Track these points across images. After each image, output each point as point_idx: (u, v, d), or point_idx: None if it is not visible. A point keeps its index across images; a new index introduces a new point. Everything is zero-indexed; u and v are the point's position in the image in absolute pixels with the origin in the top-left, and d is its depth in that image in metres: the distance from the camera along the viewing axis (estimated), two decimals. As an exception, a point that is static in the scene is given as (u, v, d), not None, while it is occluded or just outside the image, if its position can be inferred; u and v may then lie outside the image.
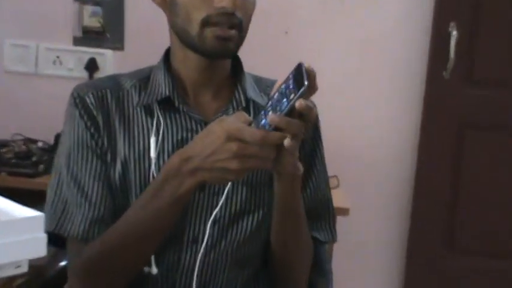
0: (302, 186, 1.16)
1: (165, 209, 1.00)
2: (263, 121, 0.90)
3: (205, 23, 1.04)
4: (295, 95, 0.86)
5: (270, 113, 0.89)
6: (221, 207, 1.10)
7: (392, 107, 2.64)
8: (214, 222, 1.10)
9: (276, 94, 0.90)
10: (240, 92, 1.15)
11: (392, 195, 2.69)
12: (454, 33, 2.49)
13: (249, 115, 1.09)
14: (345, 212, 2.06)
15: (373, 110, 2.64)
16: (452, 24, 2.50)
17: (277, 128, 0.88)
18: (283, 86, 0.90)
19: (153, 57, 1.22)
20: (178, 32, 1.10)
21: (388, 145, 2.66)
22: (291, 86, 0.88)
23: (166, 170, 0.98)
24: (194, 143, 0.96)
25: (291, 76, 0.89)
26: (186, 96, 1.14)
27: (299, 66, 0.88)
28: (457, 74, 2.54)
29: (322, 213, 1.23)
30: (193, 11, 1.05)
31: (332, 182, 2.26)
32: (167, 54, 1.17)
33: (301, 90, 0.85)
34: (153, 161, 1.09)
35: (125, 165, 1.10)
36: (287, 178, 1.02)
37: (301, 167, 0.99)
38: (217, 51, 1.06)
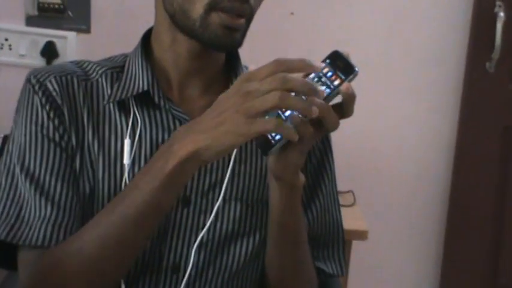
0: (306, 206, 1.22)
1: (151, 192, 0.97)
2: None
3: (213, 6, 1.04)
4: (340, 81, 0.91)
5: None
6: (209, 228, 1.12)
7: (422, 107, 2.64)
8: (200, 246, 1.11)
9: None
10: None
11: (421, 215, 2.70)
12: (501, 14, 2.47)
13: None
14: (361, 235, 2.07)
15: (398, 110, 2.65)
16: (498, 3, 2.49)
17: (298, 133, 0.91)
18: (312, 75, 0.94)
19: (126, 43, 1.24)
20: (174, 12, 1.09)
21: (417, 153, 2.67)
22: (329, 74, 0.93)
23: (162, 146, 0.99)
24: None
25: (324, 65, 0.94)
26: (169, 90, 1.16)
27: (336, 54, 0.93)
28: (504, 66, 2.53)
29: (329, 240, 1.25)
30: None
31: (346, 199, 2.37)
32: (146, 38, 1.19)
33: (352, 75, 0.91)
34: (126, 169, 1.10)
35: (91, 171, 1.11)
36: (285, 186, 1.02)
37: (302, 177, 1.02)
38: (221, 41, 1.07)
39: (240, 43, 1.10)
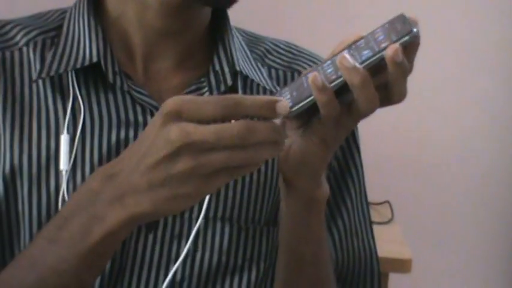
0: (326, 226, 1.16)
1: (68, 267, 0.90)
2: (305, 92, 0.89)
3: None
4: (389, 42, 0.87)
5: (342, 54, 0.88)
6: (185, 261, 1.07)
7: (484, 98, 2.67)
8: (172, 286, 1.07)
9: (346, 51, 0.91)
10: (223, 59, 1.12)
11: (485, 238, 2.69)
12: None
13: None
14: (403, 265, 2.01)
15: (454, 102, 2.68)
16: None
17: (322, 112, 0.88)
18: (361, 42, 0.91)
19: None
20: None
21: (479, 155, 2.69)
22: (380, 38, 0.89)
23: (78, 196, 0.90)
24: (126, 150, 0.88)
25: (379, 30, 0.91)
26: (129, 61, 1.11)
27: (400, 18, 0.90)
28: None
29: (359, 275, 1.22)
30: None
31: (381, 213, 2.44)
32: None
33: (407, 36, 0.87)
34: (64, 178, 1.05)
35: (11, 182, 1.06)
36: (300, 197, 0.99)
37: (327, 188, 0.99)
38: None
39: None
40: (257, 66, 1.17)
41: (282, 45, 1.22)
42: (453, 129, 2.67)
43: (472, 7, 2.64)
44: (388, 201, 2.38)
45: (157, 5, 1.06)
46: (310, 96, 0.88)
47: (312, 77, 0.86)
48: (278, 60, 1.18)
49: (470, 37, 2.65)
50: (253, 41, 1.21)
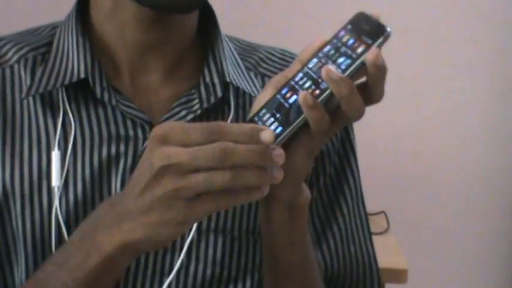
0: (320, 234, 1.19)
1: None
2: (292, 98, 0.90)
3: None
4: (366, 46, 0.87)
5: (326, 66, 0.88)
6: (179, 272, 1.08)
7: (484, 105, 2.69)
8: None
9: (314, 60, 0.92)
10: (213, 70, 1.13)
11: (482, 246, 2.70)
12: None
13: (229, 114, 1.13)
14: (399, 275, 2.05)
15: (450, 108, 2.68)
16: None
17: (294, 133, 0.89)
18: (328, 48, 0.92)
19: (58, 5, 1.19)
20: None
21: (476, 165, 2.71)
22: (350, 42, 0.90)
23: (86, 222, 0.94)
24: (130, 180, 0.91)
25: (343, 32, 0.92)
26: (117, 76, 1.12)
27: (361, 16, 0.91)
28: None
29: (358, 281, 1.22)
30: None
31: (377, 224, 2.41)
32: (82, 1, 1.15)
33: (382, 37, 0.87)
34: (57, 194, 1.05)
35: (3, 202, 1.07)
36: (282, 207, 0.99)
37: (308, 193, 1.00)
38: (175, 1, 1.03)
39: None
40: (249, 76, 1.17)
41: (276, 53, 1.22)
42: (448, 140, 2.68)
43: (465, 16, 2.65)
44: (383, 212, 2.39)
45: (133, 20, 1.08)
46: (299, 116, 0.88)
47: (303, 97, 0.87)
48: (272, 68, 1.18)
49: (463, 46, 2.67)
50: (246, 49, 1.22)
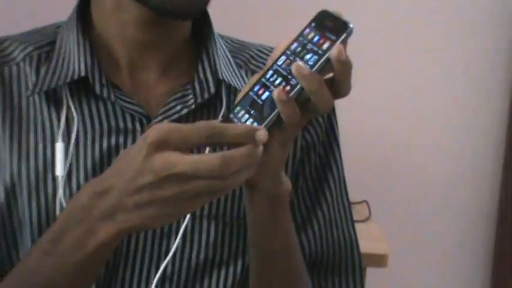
0: (306, 219, 1.22)
1: (65, 273, 0.94)
2: (265, 95, 0.92)
3: None
4: (331, 42, 0.90)
5: (296, 63, 0.90)
6: (174, 256, 1.11)
7: (461, 102, 2.71)
8: (163, 281, 1.12)
9: (283, 58, 0.95)
10: (207, 67, 1.16)
11: (458, 235, 2.74)
12: None
13: (220, 108, 1.16)
14: (380, 260, 2.06)
15: (429, 104, 2.70)
16: None
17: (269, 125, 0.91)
18: (294, 45, 0.94)
19: (61, 7, 1.21)
20: None
21: (452, 158, 2.73)
22: (315, 39, 0.92)
23: (70, 210, 0.93)
24: (112, 165, 0.91)
25: (308, 30, 0.94)
26: (116, 73, 1.15)
27: (323, 14, 0.94)
28: None
29: (340, 265, 1.25)
30: None
31: (359, 212, 2.39)
32: (83, 3, 1.17)
33: (345, 33, 0.90)
34: (60, 183, 1.09)
35: (11, 190, 1.10)
36: (263, 197, 1.01)
37: (288, 182, 1.02)
38: (177, 5, 1.04)
39: (204, 5, 1.08)
40: (240, 73, 1.19)
41: (265, 50, 1.24)
42: (428, 133, 2.69)
43: (454, 20, 2.67)
44: (366, 201, 2.42)
45: (134, 21, 1.10)
46: (272, 112, 0.90)
47: (277, 93, 0.89)
48: (261, 65, 1.19)
49: (448, 46, 2.67)
50: (238, 48, 1.24)
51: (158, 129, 0.84)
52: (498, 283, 2.68)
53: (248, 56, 1.23)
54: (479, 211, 2.71)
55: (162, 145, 0.84)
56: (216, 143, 0.85)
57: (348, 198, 1.27)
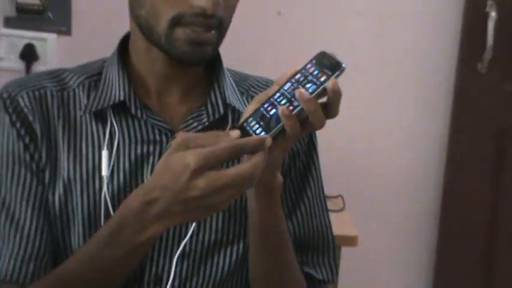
0: (291, 210, 1.22)
1: (120, 259, 0.99)
2: (272, 111, 0.94)
3: (177, 22, 1.04)
4: (327, 77, 0.92)
5: (299, 89, 0.93)
6: (191, 237, 1.12)
7: (413, 109, 2.65)
8: (182, 256, 1.12)
9: (287, 85, 0.96)
10: (217, 94, 1.17)
11: (412, 220, 2.71)
12: (493, 14, 2.47)
13: (227, 125, 1.16)
14: (351, 241, 2.07)
15: (389, 113, 2.65)
16: (490, 2, 2.49)
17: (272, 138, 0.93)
18: (298, 76, 0.96)
19: (108, 45, 1.22)
20: (140, 25, 1.09)
21: (408, 158, 2.68)
22: (315, 72, 0.95)
23: (123, 213, 0.96)
24: (156, 178, 0.92)
25: (309, 65, 0.96)
26: (147, 97, 1.15)
27: (322, 54, 0.96)
28: (496, 66, 2.53)
29: (318, 245, 1.25)
30: (163, 5, 1.03)
31: (335, 204, 2.35)
32: (124, 42, 1.18)
33: (339, 70, 0.92)
34: (105, 182, 1.10)
35: (67, 186, 1.11)
36: (262, 190, 1.03)
37: (280, 178, 1.02)
38: (188, 57, 1.06)
39: (210, 56, 1.09)
40: (242, 99, 1.19)
41: (261, 81, 1.24)
42: (390, 139, 2.65)
43: (399, 44, 2.60)
44: (341, 195, 2.39)
45: (161, 60, 1.12)
46: (278, 124, 0.93)
47: (282, 110, 0.91)
48: (258, 92, 1.17)
49: (398, 68, 2.62)
50: (240, 78, 1.24)
51: (198, 154, 0.86)
52: (440, 262, 2.68)
53: (248, 85, 1.24)
54: (428, 202, 2.70)
55: (202, 169, 0.86)
56: (239, 156, 0.91)
57: (324, 194, 1.27)
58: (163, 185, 0.89)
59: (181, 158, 0.87)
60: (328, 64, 0.94)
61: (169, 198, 0.89)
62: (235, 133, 0.92)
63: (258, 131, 0.94)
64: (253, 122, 0.95)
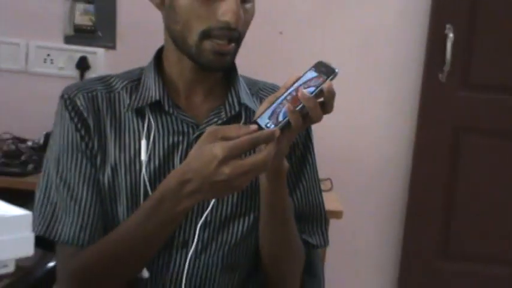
0: (292, 189, 1.19)
1: (160, 227, 1.00)
2: (280, 108, 0.95)
3: (205, 35, 1.04)
4: (323, 80, 0.94)
5: (302, 90, 0.94)
6: (211, 210, 1.11)
7: (388, 109, 2.65)
8: (204, 225, 1.10)
9: (291, 88, 0.96)
10: (233, 95, 1.15)
11: (387, 198, 2.70)
12: (451, 35, 2.51)
13: (241, 120, 1.15)
14: (337, 214, 2.06)
15: (369, 112, 2.65)
16: (448, 26, 2.52)
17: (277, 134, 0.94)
18: (300, 81, 0.96)
19: (145, 57, 1.21)
20: (174, 38, 1.09)
21: (383, 148, 2.67)
22: (314, 76, 0.95)
23: (163, 190, 0.98)
24: (190, 163, 0.94)
25: (309, 72, 0.97)
26: (177, 97, 1.14)
27: (319, 62, 0.97)
28: (453, 77, 2.56)
29: (313, 217, 1.23)
30: (194, 21, 1.04)
31: (325, 185, 2.35)
32: (158, 53, 1.17)
33: (332, 75, 0.94)
34: (144, 165, 1.09)
35: (114, 169, 1.10)
36: (272, 173, 1.02)
37: (286, 164, 1.02)
38: (213, 65, 1.06)
39: (230, 64, 1.10)
40: (253, 99, 1.18)
41: (268, 85, 1.23)
42: (370, 133, 2.64)
43: (378, 53, 2.60)
44: (329, 179, 2.38)
45: (189, 68, 1.11)
46: (284, 119, 0.93)
47: (288, 107, 0.93)
48: (267, 95, 1.14)
49: (378, 74, 2.61)
50: (251, 82, 1.22)
51: (224, 147, 0.89)
52: (407, 231, 2.68)
53: (258, 88, 1.22)
54: (399, 183, 2.69)
55: (227, 159, 0.89)
56: (256, 146, 0.92)
57: (318, 177, 1.25)
58: (196, 169, 0.92)
59: (210, 149, 0.90)
60: (324, 70, 0.95)
61: (200, 180, 0.92)
62: (253, 126, 0.93)
63: (268, 125, 0.94)
64: (265, 118, 0.95)
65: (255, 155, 0.91)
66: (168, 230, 1.02)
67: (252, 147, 0.91)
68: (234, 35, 1.05)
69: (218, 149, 0.89)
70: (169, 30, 1.10)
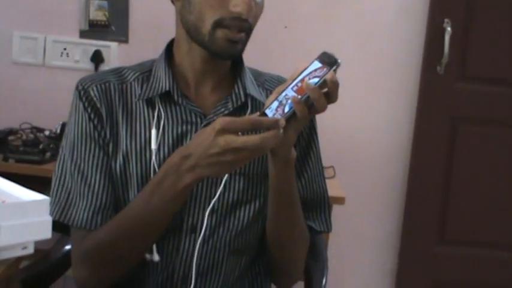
0: (297, 177, 1.17)
1: (165, 203, 1.00)
2: (286, 100, 0.94)
3: (218, 24, 1.04)
4: (327, 70, 0.92)
5: (306, 81, 0.92)
6: (219, 197, 1.10)
7: (388, 100, 2.64)
8: (212, 211, 1.10)
9: (297, 79, 0.95)
10: (240, 86, 1.14)
11: (387, 186, 2.69)
12: (449, 29, 2.49)
13: (247, 110, 1.13)
14: (340, 201, 2.05)
15: (370, 103, 2.64)
16: (447, 20, 2.51)
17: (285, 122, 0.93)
18: (305, 72, 0.95)
19: (156, 50, 1.21)
20: (188, 28, 1.08)
21: (384, 137, 2.66)
22: (318, 66, 0.94)
23: (167, 166, 0.98)
24: (192, 140, 0.95)
25: (314, 63, 0.95)
26: (187, 88, 1.13)
27: (324, 53, 0.96)
28: (451, 69, 2.55)
29: (317, 204, 1.22)
30: (208, 11, 1.04)
31: (328, 172, 2.34)
32: (169, 46, 1.16)
33: (335, 66, 0.93)
34: (154, 153, 1.08)
35: (126, 156, 1.09)
36: (281, 161, 1.01)
37: (294, 153, 1.01)
38: (225, 53, 1.06)
39: (241, 52, 1.09)
40: (259, 90, 1.17)
41: (274, 77, 1.22)
42: (375, 122, 2.63)
43: (379, 50, 2.59)
44: (332, 166, 2.37)
45: (199, 58, 1.10)
46: (290, 109, 0.93)
47: (293, 98, 0.92)
48: (272, 86, 1.17)
49: (377, 71, 2.60)
50: (257, 74, 1.21)
51: (222, 120, 0.89)
52: (406, 217, 2.67)
53: (263, 80, 1.21)
54: (399, 170, 2.68)
55: (223, 130, 0.89)
56: (257, 129, 0.90)
57: (322, 165, 1.25)
58: (197, 143, 0.93)
59: (211, 125, 0.91)
60: (328, 61, 0.94)
61: (198, 154, 0.92)
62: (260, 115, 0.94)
63: (275, 115, 0.94)
64: (273, 109, 0.95)
65: (250, 135, 0.89)
66: (171, 208, 1.01)
67: (251, 128, 0.90)
68: (245, 25, 1.05)
69: (217, 121, 0.90)
70: (183, 21, 1.09)
